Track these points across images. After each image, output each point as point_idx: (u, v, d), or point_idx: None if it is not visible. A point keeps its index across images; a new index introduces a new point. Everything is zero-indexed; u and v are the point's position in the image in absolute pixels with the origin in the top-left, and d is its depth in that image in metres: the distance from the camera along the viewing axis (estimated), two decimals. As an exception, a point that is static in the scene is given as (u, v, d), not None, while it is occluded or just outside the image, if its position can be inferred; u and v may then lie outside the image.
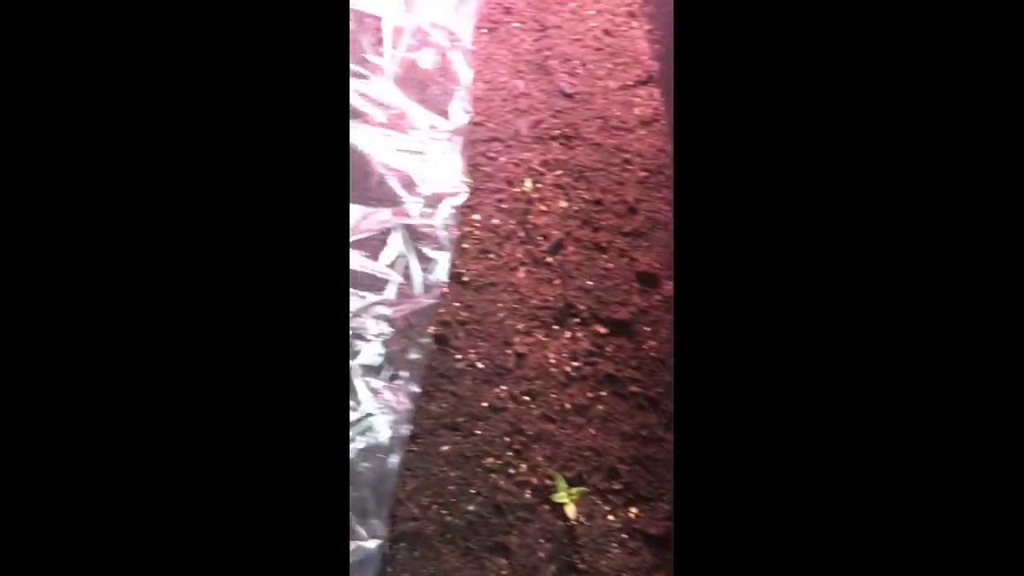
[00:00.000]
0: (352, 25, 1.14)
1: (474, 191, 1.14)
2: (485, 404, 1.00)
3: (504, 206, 1.13)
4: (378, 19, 1.17)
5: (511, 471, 0.97)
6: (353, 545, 0.85)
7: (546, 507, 0.95)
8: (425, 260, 1.05)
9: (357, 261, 1.01)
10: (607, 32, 1.26)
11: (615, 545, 0.94)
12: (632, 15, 1.25)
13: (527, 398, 1.01)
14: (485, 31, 1.28)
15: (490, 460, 0.97)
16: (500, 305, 1.07)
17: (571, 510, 0.93)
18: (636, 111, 1.15)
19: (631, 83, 1.19)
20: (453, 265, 1.08)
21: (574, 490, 0.94)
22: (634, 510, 0.96)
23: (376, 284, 1.02)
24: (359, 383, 0.95)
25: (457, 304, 1.06)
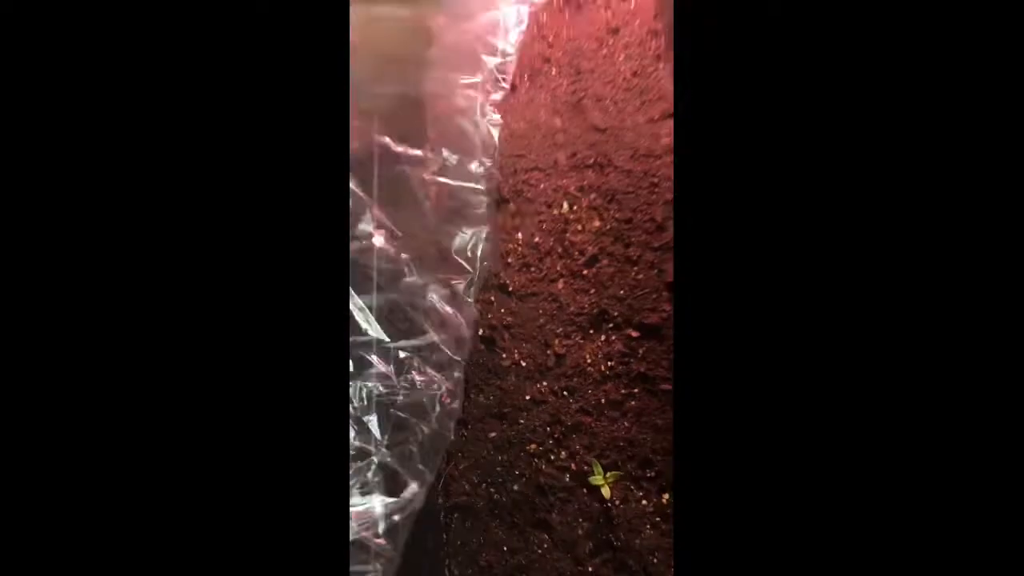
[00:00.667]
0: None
1: (516, 214, 1.29)
2: (528, 397, 1.12)
3: (544, 226, 1.28)
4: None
5: (552, 457, 1.07)
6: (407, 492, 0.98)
7: (584, 490, 1.04)
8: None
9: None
10: (635, 73, 1.42)
11: (648, 527, 1.02)
12: (658, 57, 1.40)
13: (566, 393, 1.12)
14: (527, 77, 1.45)
15: (533, 446, 1.07)
16: (541, 312, 1.19)
17: (607, 491, 1.02)
18: (662, 141, 1.29)
19: (657, 117, 1.33)
20: (497, 278, 1.23)
21: (609, 474, 1.04)
22: (667, 496, 1.04)
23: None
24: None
25: (503, 310, 1.20)
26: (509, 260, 1.25)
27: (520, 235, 1.27)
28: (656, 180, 1.29)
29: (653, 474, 1.06)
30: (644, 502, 1.04)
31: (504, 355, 1.15)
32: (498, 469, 1.05)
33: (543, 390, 1.12)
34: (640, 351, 1.16)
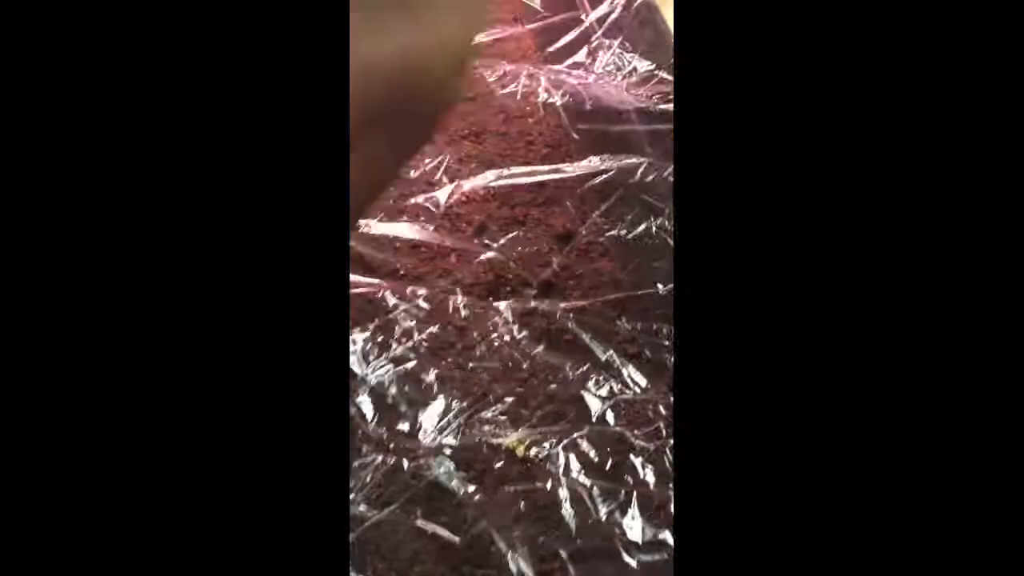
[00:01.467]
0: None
1: (399, 196, 1.28)
2: (435, 374, 1.11)
3: (428, 204, 1.26)
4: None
5: (468, 430, 1.07)
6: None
7: (502, 453, 1.05)
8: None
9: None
10: (496, 41, 1.43)
11: (561, 473, 1.05)
12: (516, 20, 1.43)
13: (472, 364, 1.12)
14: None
15: (445, 421, 1.07)
16: (437, 290, 1.18)
17: (520, 450, 1.04)
18: (531, 99, 1.31)
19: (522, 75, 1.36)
20: (388, 263, 1.21)
21: (524, 438, 1.05)
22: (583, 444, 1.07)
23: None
24: None
25: (398, 295, 1.18)
26: (397, 244, 1.23)
27: (405, 216, 1.25)
28: (531, 138, 1.31)
29: (568, 425, 1.09)
30: (559, 450, 1.07)
31: (404, 338, 1.13)
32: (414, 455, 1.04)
33: (450, 366, 1.12)
34: (540, 308, 1.17)
